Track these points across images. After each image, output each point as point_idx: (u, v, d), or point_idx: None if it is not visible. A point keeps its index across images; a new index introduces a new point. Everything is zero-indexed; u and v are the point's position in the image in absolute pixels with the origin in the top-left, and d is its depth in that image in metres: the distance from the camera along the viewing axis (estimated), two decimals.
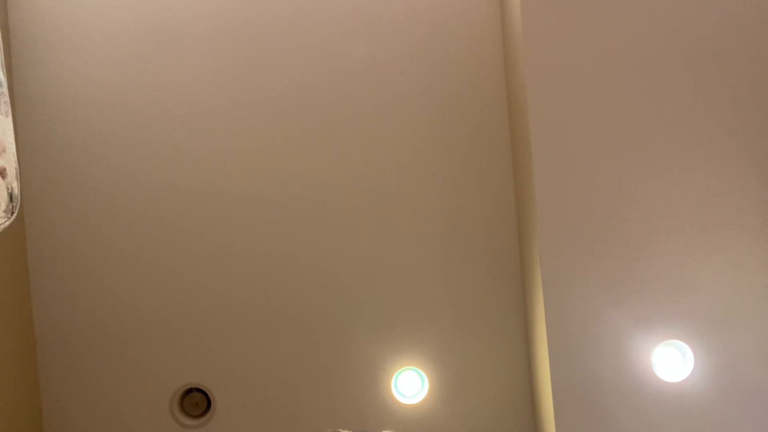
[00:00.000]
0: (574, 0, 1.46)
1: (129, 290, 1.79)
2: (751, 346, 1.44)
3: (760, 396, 1.44)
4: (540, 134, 1.47)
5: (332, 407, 1.78)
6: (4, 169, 0.99)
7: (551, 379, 1.47)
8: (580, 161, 1.47)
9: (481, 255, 1.77)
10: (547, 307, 1.47)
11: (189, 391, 1.80)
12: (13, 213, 1.03)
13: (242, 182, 1.79)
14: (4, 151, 1.00)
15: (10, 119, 1.03)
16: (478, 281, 1.77)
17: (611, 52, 1.46)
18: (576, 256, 1.47)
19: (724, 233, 1.45)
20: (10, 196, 1.01)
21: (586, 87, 1.46)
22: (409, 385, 1.78)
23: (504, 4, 1.70)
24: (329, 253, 1.79)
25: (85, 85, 1.79)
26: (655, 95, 1.45)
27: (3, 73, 1.04)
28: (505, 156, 1.77)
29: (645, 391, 1.46)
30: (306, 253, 1.79)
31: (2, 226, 1.01)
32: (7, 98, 1.03)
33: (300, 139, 1.78)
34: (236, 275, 1.79)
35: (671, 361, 1.47)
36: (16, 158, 1.05)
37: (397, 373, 1.78)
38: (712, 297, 1.45)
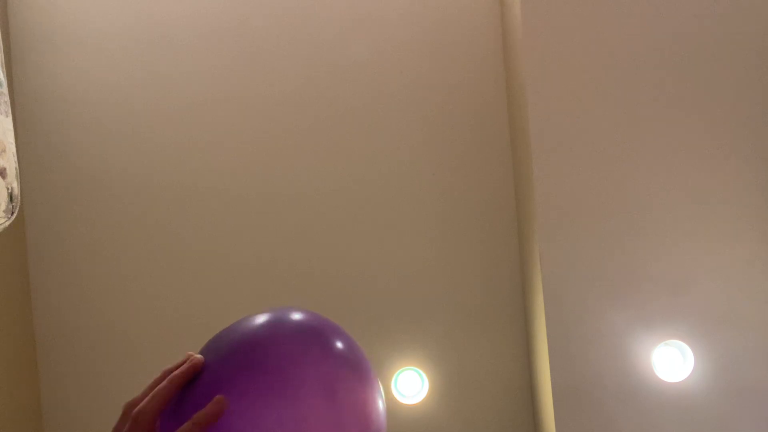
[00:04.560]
0: (574, 0, 1.46)
1: (129, 290, 1.79)
2: (751, 346, 1.44)
3: (760, 396, 1.44)
4: (540, 134, 1.47)
5: None
6: (4, 169, 0.99)
7: (551, 379, 1.47)
8: (580, 161, 1.47)
9: (481, 255, 1.77)
10: (547, 307, 1.47)
11: None
12: (13, 213, 1.03)
13: (241, 182, 1.79)
14: (4, 151, 1.00)
15: (10, 119, 1.03)
16: (478, 281, 1.77)
17: (612, 51, 1.46)
18: (576, 256, 1.47)
19: (724, 233, 1.45)
20: (10, 196, 1.01)
21: (586, 86, 1.46)
22: (409, 385, 1.78)
23: (504, 3, 1.70)
24: (328, 252, 1.79)
25: (85, 85, 1.79)
26: (656, 95, 1.45)
27: (3, 73, 1.04)
28: (505, 156, 1.77)
29: (645, 391, 1.46)
30: (304, 253, 1.79)
31: (2, 226, 1.01)
32: (7, 98, 1.03)
33: (299, 139, 1.78)
34: (236, 275, 1.79)
35: (671, 361, 1.47)
36: (16, 158, 1.05)
37: (397, 373, 1.78)
38: (712, 297, 1.45)
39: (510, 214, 1.77)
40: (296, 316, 0.60)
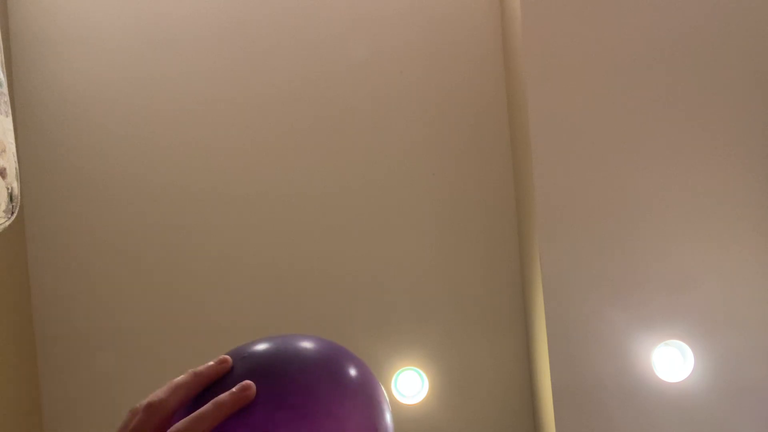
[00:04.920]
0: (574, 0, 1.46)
1: (130, 290, 1.79)
2: (751, 346, 1.44)
3: (760, 396, 1.44)
4: (540, 134, 1.47)
5: None
6: (4, 169, 0.99)
7: (551, 379, 1.47)
8: (580, 161, 1.47)
9: (481, 255, 1.77)
10: (547, 307, 1.47)
11: None
12: (13, 213, 1.03)
13: (242, 182, 1.79)
14: (4, 151, 1.00)
15: (10, 119, 1.03)
16: (478, 281, 1.77)
17: (612, 51, 1.46)
18: (576, 255, 1.47)
19: (724, 233, 1.45)
20: (10, 196, 1.01)
21: (586, 86, 1.46)
22: (409, 385, 1.78)
23: (504, 3, 1.70)
24: (328, 253, 1.79)
25: (85, 85, 1.79)
26: (656, 95, 1.45)
27: (3, 73, 1.04)
28: (505, 156, 1.77)
29: (645, 391, 1.46)
30: (304, 253, 1.79)
31: (2, 226, 1.01)
32: (7, 98, 1.03)
33: (298, 139, 1.78)
34: (236, 275, 1.79)
35: (671, 361, 1.47)
36: (16, 158, 1.05)
37: (397, 373, 1.78)
38: (712, 297, 1.45)
39: (510, 214, 1.77)
40: (343, 361, 0.59)
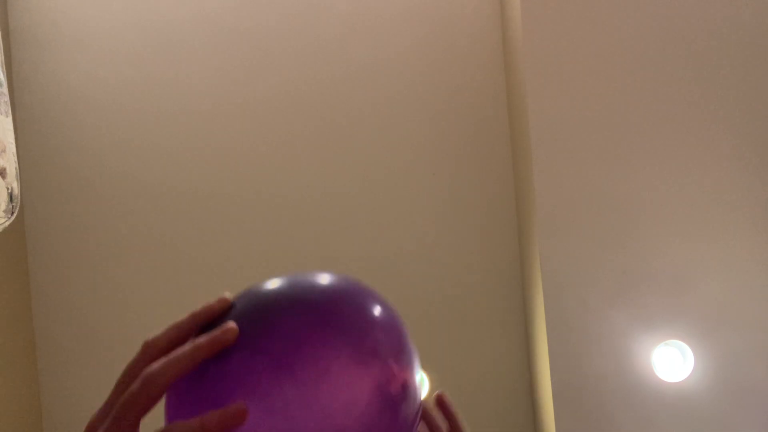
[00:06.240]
0: (574, 0, 1.46)
1: (129, 290, 1.79)
2: (751, 346, 1.44)
3: (760, 396, 1.44)
4: (540, 134, 1.47)
5: None
6: (4, 169, 0.99)
7: (551, 379, 1.47)
8: (580, 161, 1.47)
9: (480, 255, 1.77)
10: (547, 307, 1.47)
11: None
12: (13, 213, 1.03)
13: (242, 182, 1.79)
14: (4, 151, 1.00)
15: (10, 119, 1.04)
16: (478, 281, 1.77)
17: (612, 51, 1.46)
18: (576, 255, 1.47)
19: (724, 233, 1.45)
20: (10, 196, 1.01)
21: (586, 86, 1.46)
22: None
23: (504, 3, 1.70)
24: (328, 253, 1.79)
25: (85, 85, 1.79)
26: (656, 95, 1.45)
27: (3, 73, 1.04)
28: (505, 156, 1.77)
29: (645, 391, 1.46)
30: (305, 254, 1.79)
31: (2, 226, 1.01)
32: (7, 98, 1.03)
33: (299, 139, 1.78)
34: (236, 275, 1.79)
35: (671, 361, 1.47)
36: (16, 158, 1.05)
37: None
38: (712, 297, 1.45)
39: (510, 213, 1.77)
40: (346, 303, 0.50)
